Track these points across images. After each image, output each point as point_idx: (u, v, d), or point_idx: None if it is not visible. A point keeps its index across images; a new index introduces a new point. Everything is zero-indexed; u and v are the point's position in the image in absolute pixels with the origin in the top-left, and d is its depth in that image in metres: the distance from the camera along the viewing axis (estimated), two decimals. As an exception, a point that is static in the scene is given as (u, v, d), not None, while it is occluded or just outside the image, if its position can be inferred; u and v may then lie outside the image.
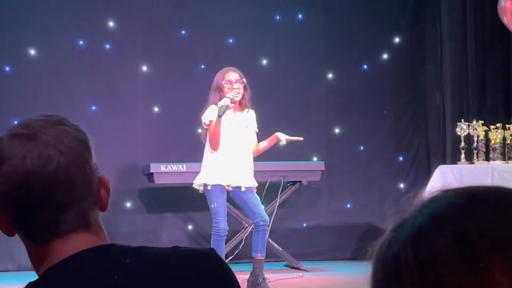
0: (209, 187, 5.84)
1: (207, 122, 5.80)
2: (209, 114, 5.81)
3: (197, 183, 5.94)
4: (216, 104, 5.81)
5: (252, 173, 6.02)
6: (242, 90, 5.91)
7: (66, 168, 1.31)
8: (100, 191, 1.38)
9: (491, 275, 0.75)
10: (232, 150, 5.86)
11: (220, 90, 5.86)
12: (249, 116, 6.01)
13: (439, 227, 0.79)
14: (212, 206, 5.86)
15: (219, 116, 5.73)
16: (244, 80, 5.96)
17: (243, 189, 5.89)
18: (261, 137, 6.19)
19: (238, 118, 5.93)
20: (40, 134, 1.32)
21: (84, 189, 1.33)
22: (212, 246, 5.85)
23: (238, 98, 5.90)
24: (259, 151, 6.15)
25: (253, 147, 6.07)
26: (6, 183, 1.31)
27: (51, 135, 1.32)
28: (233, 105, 5.83)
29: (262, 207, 6.04)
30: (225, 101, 5.76)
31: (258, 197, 6.01)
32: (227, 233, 5.91)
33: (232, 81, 5.88)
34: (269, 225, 6.02)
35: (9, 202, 1.32)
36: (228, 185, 5.85)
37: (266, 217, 5.96)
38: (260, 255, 6.01)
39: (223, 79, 5.88)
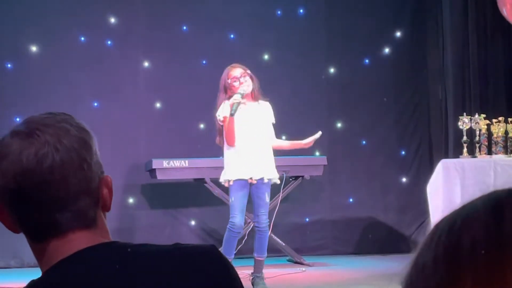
0: (231, 182, 5.80)
1: (221, 119, 5.73)
2: (222, 111, 5.74)
3: (222, 179, 5.89)
4: (228, 101, 5.76)
5: (273, 164, 5.90)
6: (250, 82, 5.84)
7: (61, 166, 1.32)
8: (102, 190, 1.38)
9: (462, 285, 0.75)
10: (249, 143, 5.78)
11: (228, 89, 5.80)
12: (263, 108, 5.92)
13: (439, 235, 0.79)
14: (230, 201, 5.83)
15: (231, 115, 5.68)
16: (249, 71, 5.89)
17: (265, 181, 5.80)
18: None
19: (251, 110, 5.84)
20: (38, 132, 1.33)
21: (80, 187, 1.34)
22: (224, 240, 5.82)
23: (249, 90, 5.84)
24: (278, 147, 6.04)
25: (273, 140, 5.97)
26: (3, 179, 1.33)
27: (49, 133, 1.33)
28: (245, 100, 5.77)
29: (265, 210, 5.89)
30: (236, 98, 5.70)
31: (268, 199, 5.88)
32: (241, 230, 5.86)
33: (238, 76, 5.81)
34: (268, 227, 5.91)
35: (6, 198, 1.34)
36: (250, 178, 5.78)
37: (263, 220, 5.86)
38: (256, 255, 5.95)
39: (228, 78, 5.82)
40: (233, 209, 5.79)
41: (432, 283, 0.76)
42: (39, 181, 1.31)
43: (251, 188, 5.86)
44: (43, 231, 1.34)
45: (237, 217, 5.78)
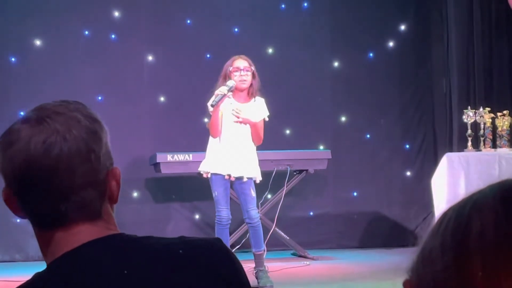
0: (209, 175, 5.81)
1: (211, 109, 5.69)
2: (213, 99, 5.70)
3: (201, 169, 5.88)
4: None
5: (255, 163, 5.85)
6: (250, 78, 5.80)
7: (68, 156, 1.31)
8: (110, 182, 1.38)
9: (470, 269, 0.74)
10: (233, 140, 5.74)
11: (227, 77, 5.74)
12: (256, 105, 5.83)
13: (447, 221, 0.78)
14: (214, 195, 5.83)
15: (212, 106, 5.61)
16: (253, 67, 5.81)
17: (245, 180, 5.76)
18: (266, 125, 6.12)
19: (244, 108, 5.78)
20: (49, 119, 1.33)
21: (87, 178, 1.33)
22: (216, 235, 5.82)
23: (245, 85, 5.78)
24: (254, 139, 5.85)
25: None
26: (10, 165, 1.33)
27: (59, 122, 1.33)
28: (230, 93, 5.67)
29: (253, 204, 5.84)
30: (222, 90, 5.62)
31: (253, 193, 5.83)
32: (230, 221, 5.87)
33: (240, 67, 5.75)
34: (260, 220, 5.90)
35: (13, 184, 1.34)
36: (228, 175, 5.75)
37: (253, 215, 5.82)
38: (254, 251, 5.92)
39: (231, 66, 5.76)
40: (218, 203, 5.81)
41: (439, 267, 0.76)
42: (45, 170, 1.30)
43: (234, 185, 5.85)
44: (47, 220, 1.34)
45: (224, 211, 5.79)
